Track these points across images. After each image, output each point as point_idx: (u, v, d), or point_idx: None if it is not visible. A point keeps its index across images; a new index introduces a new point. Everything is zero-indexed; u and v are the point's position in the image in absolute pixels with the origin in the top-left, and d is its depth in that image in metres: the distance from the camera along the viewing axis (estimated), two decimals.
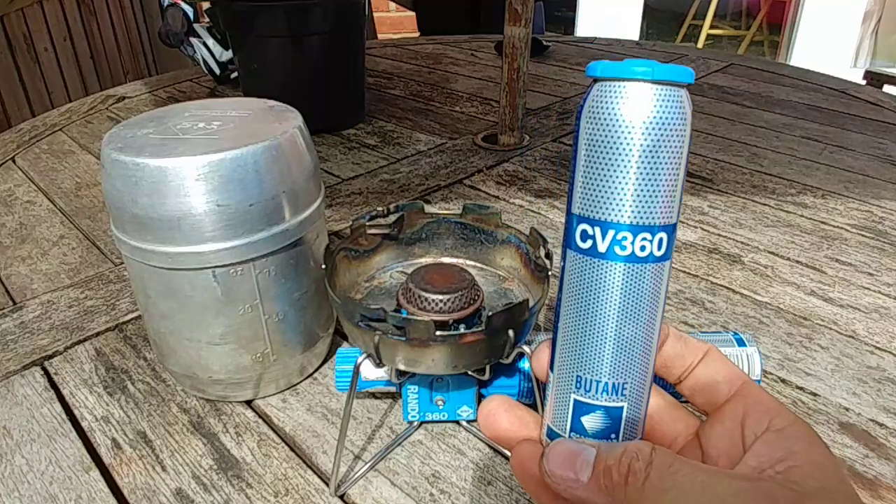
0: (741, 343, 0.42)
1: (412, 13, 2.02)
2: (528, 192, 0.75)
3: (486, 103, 1.07)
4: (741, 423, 0.24)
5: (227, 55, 1.15)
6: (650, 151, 0.21)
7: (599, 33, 1.74)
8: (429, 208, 0.44)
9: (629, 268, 0.22)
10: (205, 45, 1.15)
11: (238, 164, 0.36)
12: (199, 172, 0.36)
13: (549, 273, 0.37)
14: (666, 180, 0.21)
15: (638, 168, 0.21)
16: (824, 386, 0.46)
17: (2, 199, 0.76)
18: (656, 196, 0.21)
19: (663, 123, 0.21)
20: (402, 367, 0.35)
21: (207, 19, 1.10)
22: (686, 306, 0.54)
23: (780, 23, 3.25)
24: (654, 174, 0.21)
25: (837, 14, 2.93)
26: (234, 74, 1.16)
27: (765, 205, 0.71)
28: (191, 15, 1.16)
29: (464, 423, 0.43)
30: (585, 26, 3.12)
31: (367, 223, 0.42)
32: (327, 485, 0.39)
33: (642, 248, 0.22)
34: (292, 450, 0.42)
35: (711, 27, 3.55)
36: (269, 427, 0.43)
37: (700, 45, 3.50)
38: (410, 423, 0.43)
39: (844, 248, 0.63)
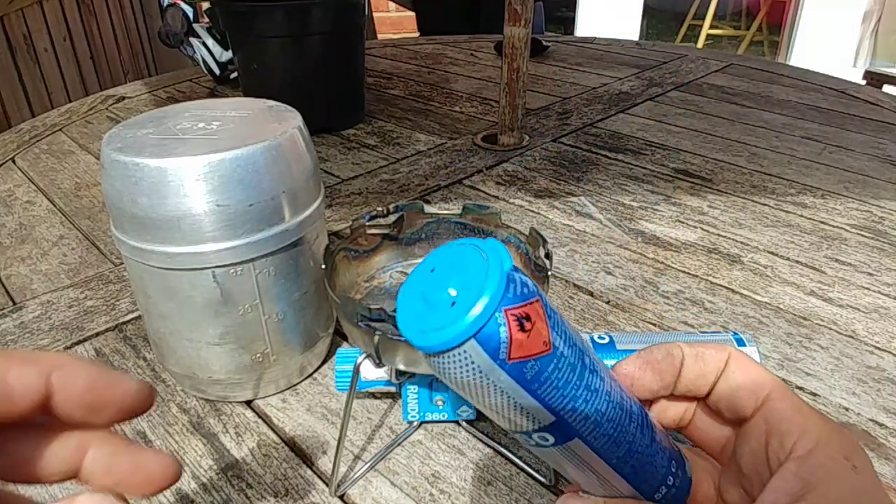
0: (741, 343, 0.42)
1: (412, 13, 2.02)
2: (528, 192, 0.75)
3: (486, 103, 1.07)
4: (765, 444, 0.22)
5: (226, 55, 1.15)
6: (460, 390, 0.20)
7: (599, 33, 1.74)
8: (428, 208, 0.44)
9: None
10: (204, 45, 1.15)
11: (238, 165, 0.36)
12: (199, 172, 0.36)
13: (549, 273, 0.37)
14: (495, 411, 0.21)
15: (464, 396, 0.21)
16: (824, 386, 0.46)
17: (2, 200, 0.76)
18: (498, 416, 0.21)
19: (451, 378, 0.20)
20: (401, 367, 0.35)
21: (207, 19, 1.10)
22: (686, 306, 0.55)
23: (780, 23, 3.25)
24: (481, 405, 0.20)
25: (837, 14, 2.93)
26: (234, 75, 1.16)
27: (764, 205, 0.71)
28: (190, 15, 1.16)
29: (463, 423, 0.43)
30: (585, 26, 3.12)
31: (367, 223, 0.42)
32: (327, 485, 0.39)
33: (527, 440, 0.22)
34: (292, 450, 0.42)
35: (711, 27, 3.55)
36: (268, 427, 0.43)
37: (700, 45, 3.50)
38: (410, 423, 0.43)
39: (844, 248, 0.63)
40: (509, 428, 0.22)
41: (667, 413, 0.26)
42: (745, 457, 0.23)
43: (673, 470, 0.24)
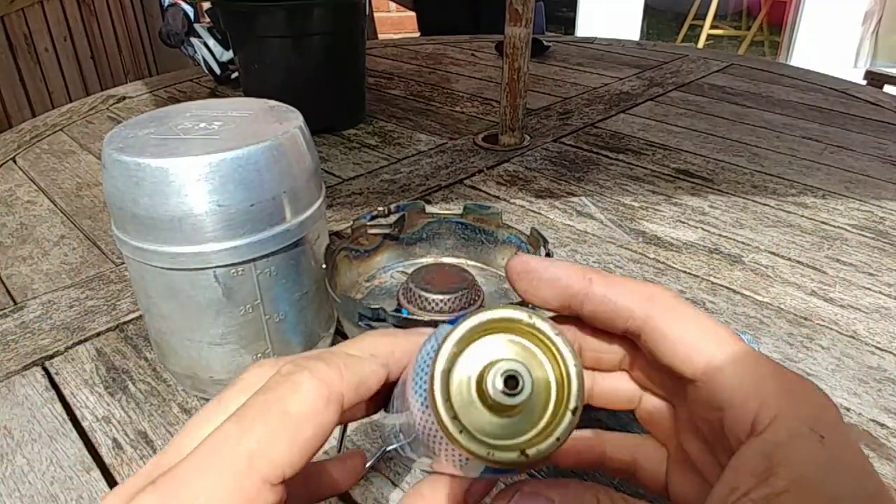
0: None
1: (412, 13, 2.02)
2: (529, 193, 0.75)
3: (487, 103, 1.07)
4: (719, 421, 0.20)
5: (227, 55, 1.15)
6: None
7: (599, 33, 1.74)
8: (430, 208, 0.44)
9: None
10: (205, 45, 1.15)
11: (239, 165, 0.36)
12: (201, 173, 0.36)
13: None
14: None
15: None
16: (825, 386, 0.46)
17: (2, 200, 0.76)
18: None
19: None
20: None
21: (208, 19, 1.10)
22: None
23: (781, 23, 3.25)
24: None
25: (837, 14, 2.93)
26: (235, 74, 1.16)
27: (765, 205, 0.71)
28: (191, 15, 1.16)
29: None
30: (585, 26, 3.12)
31: (368, 223, 0.42)
32: None
33: None
34: None
35: (712, 27, 3.55)
36: None
37: (700, 45, 3.51)
38: None
39: (845, 249, 0.63)
40: None
41: (618, 394, 0.25)
42: (693, 441, 0.23)
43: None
